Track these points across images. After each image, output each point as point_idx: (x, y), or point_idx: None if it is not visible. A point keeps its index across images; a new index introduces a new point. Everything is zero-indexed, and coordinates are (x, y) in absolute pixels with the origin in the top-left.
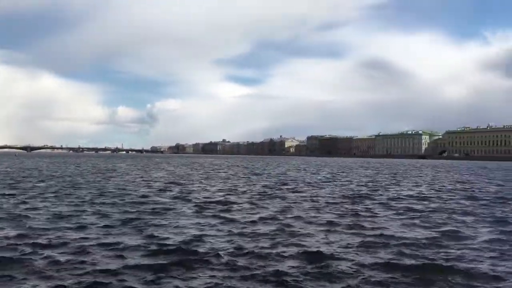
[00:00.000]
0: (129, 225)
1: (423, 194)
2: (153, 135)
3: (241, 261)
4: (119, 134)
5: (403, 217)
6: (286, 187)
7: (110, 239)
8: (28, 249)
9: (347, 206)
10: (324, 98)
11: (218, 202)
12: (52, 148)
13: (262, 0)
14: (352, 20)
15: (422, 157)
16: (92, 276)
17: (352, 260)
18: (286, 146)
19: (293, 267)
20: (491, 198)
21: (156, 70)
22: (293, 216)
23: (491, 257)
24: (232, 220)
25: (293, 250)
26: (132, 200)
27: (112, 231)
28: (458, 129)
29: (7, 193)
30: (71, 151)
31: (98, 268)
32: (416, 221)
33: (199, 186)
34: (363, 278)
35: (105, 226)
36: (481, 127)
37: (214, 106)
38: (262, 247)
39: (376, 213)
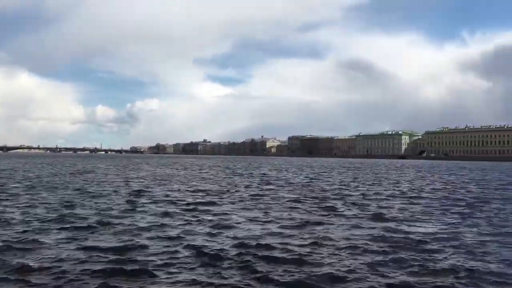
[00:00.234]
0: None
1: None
2: (133, 135)
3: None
4: (98, 134)
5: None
6: (268, 187)
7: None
8: None
9: (326, 204)
10: (305, 98)
11: (200, 204)
12: (29, 148)
13: (243, 0)
14: (333, 20)
15: (402, 157)
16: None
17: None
18: (267, 146)
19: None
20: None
21: (136, 69)
22: (274, 215)
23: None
24: (212, 220)
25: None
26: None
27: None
28: (437, 130)
29: None
30: (48, 151)
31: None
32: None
33: (179, 188)
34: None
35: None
36: (459, 128)
37: (195, 106)
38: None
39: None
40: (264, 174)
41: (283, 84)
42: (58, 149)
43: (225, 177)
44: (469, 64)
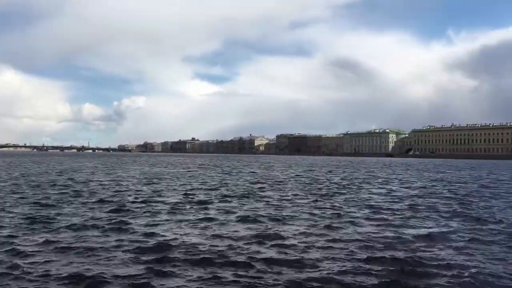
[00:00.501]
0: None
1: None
2: (121, 133)
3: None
4: (86, 132)
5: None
6: (259, 185)
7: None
8: None
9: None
10: (293, 96)
11: (191, 203)
12: (15, 146)
13: None
14: (321, 19)
15: (390, 155)
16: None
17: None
18: (255, 144)
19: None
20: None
21: (123, 67)
22: (269, 214)
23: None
24: (210, 220)
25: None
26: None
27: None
28: (424, 128)
29: None
30: (35, 150)
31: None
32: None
33: (170, 186)
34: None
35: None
36: (446, 126)
37: (183, 104)
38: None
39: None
40: (254, 172)
41: (271, 82)
42: (45, 148)
43: (214, 176)
44: (456, 63)
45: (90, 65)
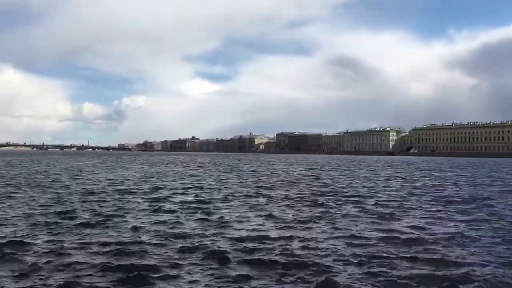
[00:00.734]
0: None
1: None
2: (121, 132)
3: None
4: (86, 131)
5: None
6: (262, 184)
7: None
8: None
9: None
10: (293, 95)
11: (198, 202)
12: (15, 145)
13: None
14: (321, 17)
15: (390, 153)
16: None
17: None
18: (255, 143)
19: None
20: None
21: (124, 67)
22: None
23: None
24: (214, 219)
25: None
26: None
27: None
28: (425, 126)
29: None
30: (35, 149)
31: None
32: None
33: (173, 186)
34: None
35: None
36: (446, 124)
37: (183, 103)
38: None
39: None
40: (256, 171)
41: (271, 81)
42: (45, 147)
43: (218, 175)
44: (456, 62)
45: (90, 65)
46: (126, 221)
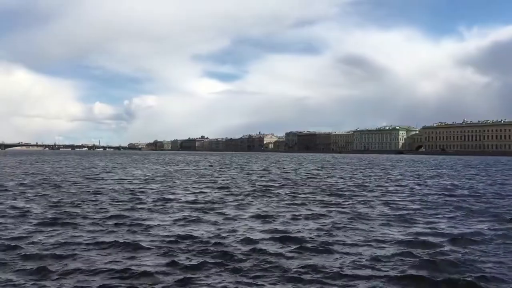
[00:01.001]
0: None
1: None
2: (131, 131)
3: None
4: (96, 131)
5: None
6: (276, 184)
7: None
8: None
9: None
10: (302, 94)
11: (211, 202)
12: (27, 145)
13: None
14: (329, 16)
15: (400, 152)
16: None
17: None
18: (265, 142)
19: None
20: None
21: (133, 66)
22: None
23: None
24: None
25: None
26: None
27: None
28: (434, 125)
29: None
30: (46, 148)
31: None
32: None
33: (184, 186)
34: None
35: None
36: (456, 123)
37: (192, 103)
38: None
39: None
40: (266, 169)
41: (279, 80)
42: (57, 146)
43: (230, 174)
44: (466, 59)
45: (100, 65)
46: (140, 220)
